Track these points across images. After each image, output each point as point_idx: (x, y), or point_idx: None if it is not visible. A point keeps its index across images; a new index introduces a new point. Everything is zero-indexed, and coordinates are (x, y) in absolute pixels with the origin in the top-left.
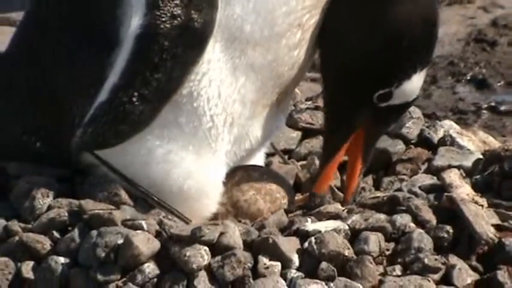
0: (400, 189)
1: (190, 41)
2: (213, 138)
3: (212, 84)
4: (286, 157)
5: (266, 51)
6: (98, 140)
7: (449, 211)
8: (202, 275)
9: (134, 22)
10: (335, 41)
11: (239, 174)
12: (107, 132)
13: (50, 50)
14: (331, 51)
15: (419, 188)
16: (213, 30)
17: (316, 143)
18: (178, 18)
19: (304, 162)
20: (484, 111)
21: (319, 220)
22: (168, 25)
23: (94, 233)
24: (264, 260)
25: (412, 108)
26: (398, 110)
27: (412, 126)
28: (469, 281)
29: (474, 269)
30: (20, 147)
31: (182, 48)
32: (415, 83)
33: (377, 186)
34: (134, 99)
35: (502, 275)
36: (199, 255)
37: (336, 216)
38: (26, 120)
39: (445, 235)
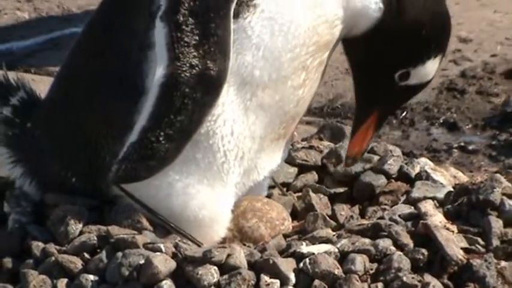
0: (382, 217)
1: (207, 88)
2: (225, 171)
3: (226, 124)
4: (284, 189)
5: (274, 92)
6: (131, 174)
7: (424, 236)
8: None
9: (158, 72)
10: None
11: (244, 204)
12: (139, 168)
13: (85, 97)
14: (361, 42)
15: (399, 216)
16: (226, 77)
17: (310, 178)
18: (196, 68)
19: (299, 194)
20: (455, 150)
21: (313, 244)
22: (187, 74)
23: (119, 254)
24: (265, 278)
25: (392, 148)
26: (413, 90)
27: (393, 163)
28: None
29: (446, 286)
30: (58, 180)
31: (200, 93)
32: (429, 67)
33: (362, 214)
34: (161, 138)
35: None
36: (210, 274)
37: (327, 241)
38: (64, 158)
39: (421, 257)
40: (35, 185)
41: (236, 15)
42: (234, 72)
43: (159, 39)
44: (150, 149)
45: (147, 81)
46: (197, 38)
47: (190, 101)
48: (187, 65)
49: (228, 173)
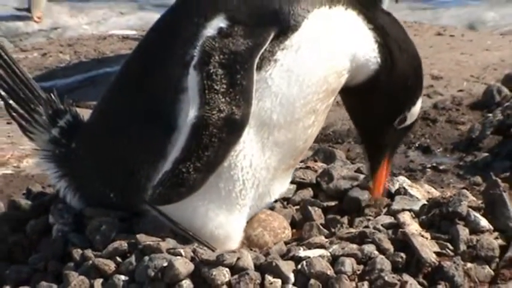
0: (367, 226)
1: (232, 129)
2: (242, 197)
3: (246, 158)
4: (285, 203)
5: (288, 132)
6: (164, 198)
7: (403, 242)
8: None
9: (191, 114)
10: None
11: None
12: (171, 194)
13: (124, 126)
14: (358, 92)
15: (381, 225)
16: (248, 120)
17: (306, 193)
18: (224, 112)
19: (298, 206)
20: (428, 170)
21: (309, 249)
22: (215, 117)
23: (146, 258)
24: (269, 278)
25: None
26: (410, 127)
27: None
28: None
29: (421, 284)
30: (98, 195)
31: (226, 134)
32: (418, 106)
33: (351, 224)
34: (190, 170)
35: None
36: (222, 274)
37: (321, 246)
38: (104, 177)
39: (400, 259)
40: (77, 197)
41: (259, 68)
42: (255, 115)
43: (192, 85)
44: (181, 178)
45: (180, 119)
46: (225, 86)
47: (217, 139)
48: (216, 109)
49: (245, 198)
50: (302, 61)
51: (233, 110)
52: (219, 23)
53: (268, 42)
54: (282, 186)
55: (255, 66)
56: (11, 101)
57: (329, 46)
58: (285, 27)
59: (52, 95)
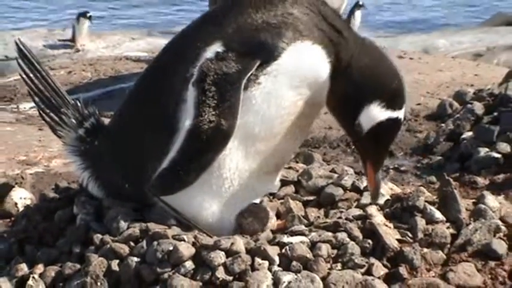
0: (340, 218)
1: (219, 137)
2: (231, 193)
3: (232, 161)
4: (271, 197)
5: (267, 143)
6: (162, 189)
7: (370, 231)
8: (221, 269)
9: (187, 122)
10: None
11: (243, 208)
12: (168, 186)
13: (136, 129)
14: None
15: (352, 216)
16: (233, 131)
17: (289, 189)
18: (213, 123)
19: (282, 200)
20: (391, 170)
21: (291, 236)
22: (206, 126)
23: (155, 243)
24: (258, 260)
25: (347, 168)
26: (377, 134)
27: (348, 179)
28: (382, 273)
29: (385, 266)
30: (116, 185)
31: (214, 141)
32: (372, 113)
33: (326, 215)
34: (185, 168)
35: (402, 270)
36: (219, 257)
37: (301, 234)
38: (120, 170)
39: (367, 245)
40: (97, 185)
41: (245, 88)
42: (241, 128)
43: (189, 99)
44: (176, 173)
45: (179, 125)
46: (215, 101)
47: (206, 145)
48: (207, 120)
49: (233, 193)
50: (279, 86)
51: (221, 122)
52: (216, 48)
53: (254, 68)
54: (267, 186)
55: (242, 87)
56: (44, 106)
57: (298, 75)
58: (268, 57)
59: (79, 102)
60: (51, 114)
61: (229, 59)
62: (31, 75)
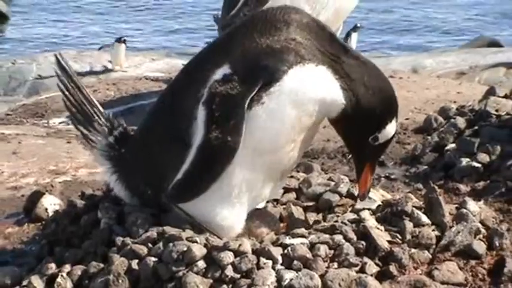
0: (337, 221)
1: (226, 152)
2: (240, 199)
3: (240, 171)
4: (275, 203)
5: (272, 155)
6: (176, 198)
7: (363, 233)
8: (230, 268)
9: (198, 138)
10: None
11: (250, 212)
12: (182, 195)
13: (155, 142)
14: (338, 122)
15: (347, 220)
16: (239, 146)
17: (291, 196)
18: (220, 139)
19: (284, 206)
20: (382, 178)
21: (293, 238)
22: (215, 142)
23: (171, 244)
24: (263, 260)
25: (343, 177)
26: (385, 144)
27: (343, 186)
28: (374, 271)
29: (377, 264)
30: (139, 190)
31: (221, 155)
32: (389, 129)
33: (324, 219)
34: (197, 178)
35: (392, 268)
36: (228, 257)
37: (302, 236)
38: (143, 177)
39: (361, 246)
40: (123, 189)
41: (249, 107)
42: (247, 142)
43: (200, 117)
44: (190, 183)
45: (192, 140)
46: (222, 120)
47: (215, 159)
48: (215, 137)
49: (242, 199)
50: (283, 105)
51: (227, 139)
52: (224, 70)
53: (257, 89)
54: (272, 193)
55: (246, 107)
56: (78, 115)
57: (302, 94)
58: (270, 79)
59: (109, 114)
60: (85, 122)
61: (234, 81)
62: (68, 86)
